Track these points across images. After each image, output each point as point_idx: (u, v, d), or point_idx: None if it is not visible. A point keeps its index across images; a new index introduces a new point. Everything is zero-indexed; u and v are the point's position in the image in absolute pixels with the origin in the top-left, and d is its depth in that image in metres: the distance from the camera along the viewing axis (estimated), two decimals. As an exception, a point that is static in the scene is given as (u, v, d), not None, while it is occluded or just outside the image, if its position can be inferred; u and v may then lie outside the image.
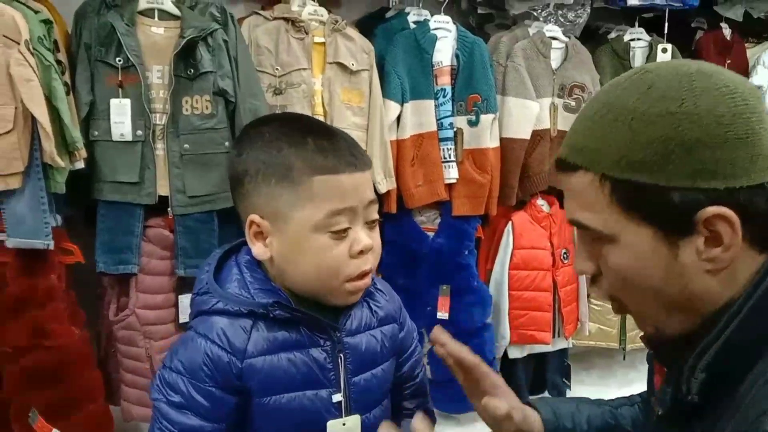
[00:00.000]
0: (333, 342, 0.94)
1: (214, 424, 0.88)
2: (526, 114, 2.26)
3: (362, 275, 0.93)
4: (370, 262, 0.93)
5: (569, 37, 2.39)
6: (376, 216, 0.94)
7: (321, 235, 0.89)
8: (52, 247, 1.69)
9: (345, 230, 0.90)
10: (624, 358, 2.69)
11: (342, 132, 0.99)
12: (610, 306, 2.63)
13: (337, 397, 0.94)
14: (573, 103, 2.37)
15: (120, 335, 1.83)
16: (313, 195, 0.88)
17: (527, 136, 2.27)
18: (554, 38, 2.35)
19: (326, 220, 0.89)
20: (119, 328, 1.83)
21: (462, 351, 0.97)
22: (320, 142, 0.91)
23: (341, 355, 0.94)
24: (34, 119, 1.62)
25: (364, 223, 0.92)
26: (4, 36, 1.57)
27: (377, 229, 0.95)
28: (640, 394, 1.08)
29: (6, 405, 1.74)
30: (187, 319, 1.88)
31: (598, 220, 0.75)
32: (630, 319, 2.58)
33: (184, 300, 1.88)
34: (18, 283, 1.71)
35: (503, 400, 0.95)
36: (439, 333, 0.98)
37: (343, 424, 0.94)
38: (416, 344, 1.11)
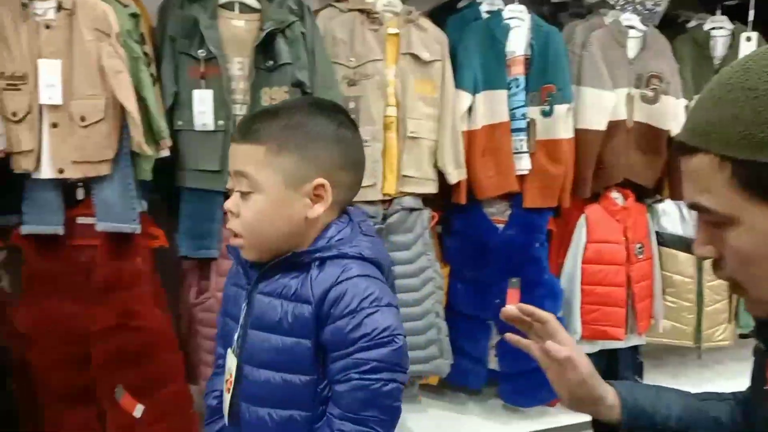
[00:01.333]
0: (248, 290, 1.07)
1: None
2: (602, 104, 2.21)
3: (231, 232, 1.05)
4: (231, 223, 1.04)
5: (647, 26, 2.32)
6: (242, 187, 1.02)
7: None
8: (139, 231, 1.77)
9: (231, 190, 1.06)
10: (699, 357, 2.61)
11: (259, 115, 1.08)
12: (685, 303, 2.55)
13: (235, 335, 1.08)
14: (650, 94, 2.30)
15: (200, 317, 1.90)
16: None
17: (603, 127, 2.22)
18: (631, 27, 2.29)
19: None
20: (199, 310, 1.90)
21: (533, 308, 0.97)
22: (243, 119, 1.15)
23: (245, 304, 1.07)
24: (122, 109, 1.70)
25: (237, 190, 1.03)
26: (96, 29, 1.66)
27: (248, 201, 1.02)
28: (734, 393, 1.04)
29: (94, 383, 1.84)
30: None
31: (719, 203, 0.74)
32: (706, 317, 2.50)
33: (260, 285, 1.94)
34: (107, 266, 1.80)
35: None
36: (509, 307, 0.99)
37: (231, 354, 1.09)
38: (353, 356, 0.99)
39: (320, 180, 1.02)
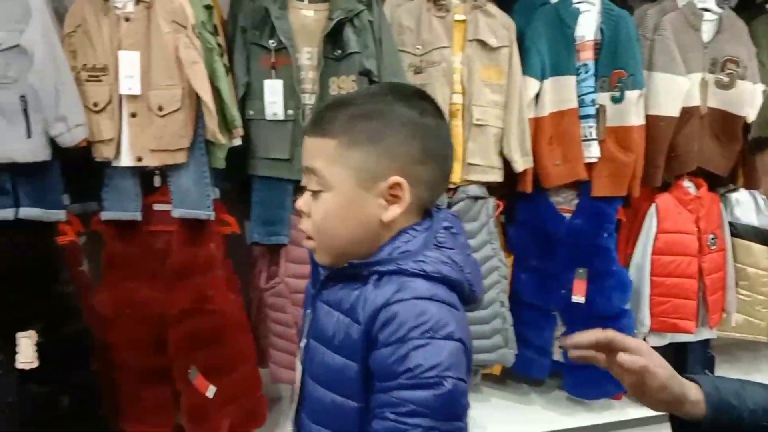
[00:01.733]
0: (313, 295, 0.99)
1: None
2: (675, 90, 2.15)
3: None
4: (304, 224, 0.94)
5: (723, 8, 2.24)
6: (312, 186, 0.92)
7: None
8: (213, 218, 1.82)
9: (305, 188, 0.95)
10: (775, 353, 2.52)
11: (331, 106, 0.96)
12: (759, 297, 2.46)
13: (302, 342, 1.00)
14: (726, 79, 2.22)
15: (270, 302, 1.95)
16: None
17: (676, 113, 2.15)
18: (706, 9, 2.21)
19: None
20: (269, 295, 1.94)
21: (590, 335, 0.94)
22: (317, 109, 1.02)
23: (308, 311, 1.00)
24: (198, 99, 1.75)
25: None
26: (173, 21, 1.71)
27: (318, 200, 0.91)
28: None
29: (170, 363, 1.91)
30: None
31: None
32: (782, 312, 2.40)
33: (327, 272, 1.97)
34: (182, 251, 1.86)
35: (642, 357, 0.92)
36: (568, 339, 0.96)
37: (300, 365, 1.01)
38: (392, 393, 0.84)
39: (396, 178, 0.89)
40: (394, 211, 0.90)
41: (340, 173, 0.89)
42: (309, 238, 0.94)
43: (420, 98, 0.95)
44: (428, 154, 0.92)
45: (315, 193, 0.92)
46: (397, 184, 0.89)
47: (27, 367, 1.75)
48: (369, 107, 0.92)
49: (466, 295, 0.92)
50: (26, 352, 1.76)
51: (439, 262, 0.89)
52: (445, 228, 0.94)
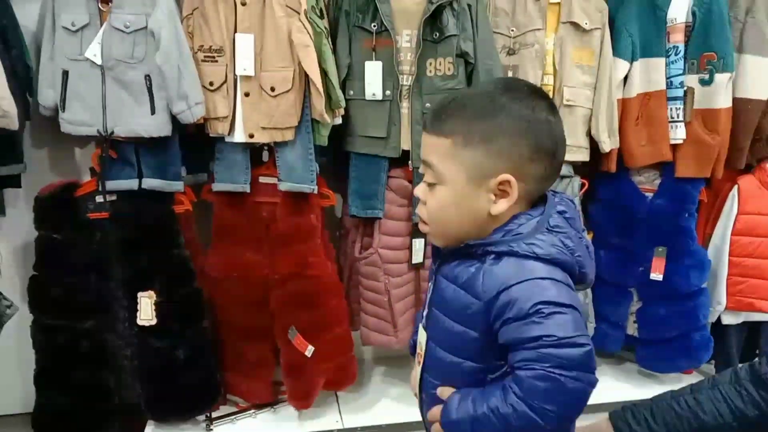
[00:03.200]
0: (433, 270, 1.09)
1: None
2: (765, 73, 2.15)
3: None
4: (419, 209, 1.06)
5: (820, -12, 2.20)
6: (428, 178, 1.02)
7: None
8: (316, 191, 1.95)
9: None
10: None
11: (452, 102, 1.02)
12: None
13: (425, 311, 1.09)
14: (819, 61, 2.20)
15: (363, 271, 2.08)
16: None
17: (764, 96, 2.16)
18: (803, -10, 2.18)
19: None
20: (363, 264, 2.07)
21: None
22: (435, 106, 1.06)
23: (431, 283, 1.09)
24: (306, 80, 1.86)
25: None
26: (287, 6, 1.81)
27: (434, 191, 1.01)
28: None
29: (271, 323, 2.07)
30: (420, 260, 2.10)
31: None
32: None
33: (417, 243, 2.08)
34: (286, 221, 2.00)
35: None
36: None
37: (423, 331, 1.11)
38: (538, 350, 0.91)
39: (505, 176, 0.96)
40: (501, 205, 0.97)
41: (454, 170, 0.97)
42: (424, 222, 1.06)
43: (533, 95, 1.00)
44: (539, 151, 0.97)
45: (431, 185, 1.01)
46: (506, 181, 0.96)
47: (147, 323, 1.94)
48: (484, 108, 0.98)
49: (577, 277, 0.99)
50: (146, 310, 1.95)
51: (550, 245, 0.95)
52: (559, 212, 1.00)
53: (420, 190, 1.04)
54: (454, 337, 1.01)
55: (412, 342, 1.22)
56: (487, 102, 0.99)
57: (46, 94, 1.83)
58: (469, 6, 1.93)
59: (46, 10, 1.83)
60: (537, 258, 0.94)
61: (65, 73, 1.81)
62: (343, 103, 1.90)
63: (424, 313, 1.11)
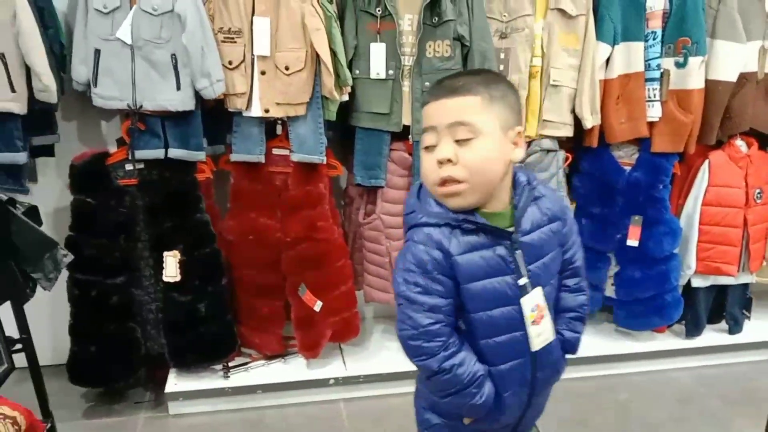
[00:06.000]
0: (510, 242, 1.13)
1: (447, 299, 1.13)
2: (735, 57, 2.34)
3: (442, 182, 1.09)
4: (449, 171, 1.08)
5: (787, -21, 2.40)
6: (461, 136, 1.07)
7: (422, 151, 1.13)
8: (325, 162, 2.14)
9: (432, 146, 1.10)
10: (808, 298, 2.77)
11: (460, 75, 1.15)
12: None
13: (523, 281, 1.15)
14: (784, 46, 2.40)
15: (367, 235, 2.28)
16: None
17: (733, 78, 2.36)
18: (771, -20, 2.37)
19: (423, 138, 1.13)
20: (366, 229, 2.28)
21: None
22: (433, 86, 1.16)
23: (518, 251, 1.14)
24: (316, 60, 2.04)
25: (453, 141, 1.08)
26: (300, -8, 1.99)
27: (470, 146, 1.07)
28: None
29: (282, 281, 2.28)
30: (418, 227, 2.30)
31: None
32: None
33: (416, 211, 2.29)
34: (297, 189, 2.20)
35: None
36: None
37: (530, 297, 1.17)
38: (576, 236, 1.26)
39: (519, 127, 1.13)
40: (519, 152, 1.13)
41: (489, 121, 1.08)
42: (457, 182, 1.08)
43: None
44: (521, 111, 1.21)
45: (464, 142, 1.07)
46: (520, 132, 1.13)
47: (171, 280, 2.15)
48: (489, 75, 1.15)
49: None
50: (171, 268, 2.15)
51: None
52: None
53: (448, 152, 1.07)
54: (552, 265, 1.20)
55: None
56: (489, 72, 1.20)
57: (79, 71, 2.01)
58: (466, -7, 2.11)
59: (79, -6, 2.00)
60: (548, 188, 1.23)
61: (97, 52, 1.98)
62: (350, 82, 2.08)
63: (521, 283, 1.15)
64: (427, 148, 1.11)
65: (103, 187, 2.09)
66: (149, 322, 2.22)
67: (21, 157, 1.98)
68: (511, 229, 1.14)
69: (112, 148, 2.18)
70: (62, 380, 2.20)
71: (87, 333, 2.14)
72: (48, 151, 2.19)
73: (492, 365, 1.18)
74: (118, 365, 2.20)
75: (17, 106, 1.93)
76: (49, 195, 2.32)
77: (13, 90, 1.91)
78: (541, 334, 1.18)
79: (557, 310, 1.25)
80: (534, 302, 1.16)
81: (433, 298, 1.11)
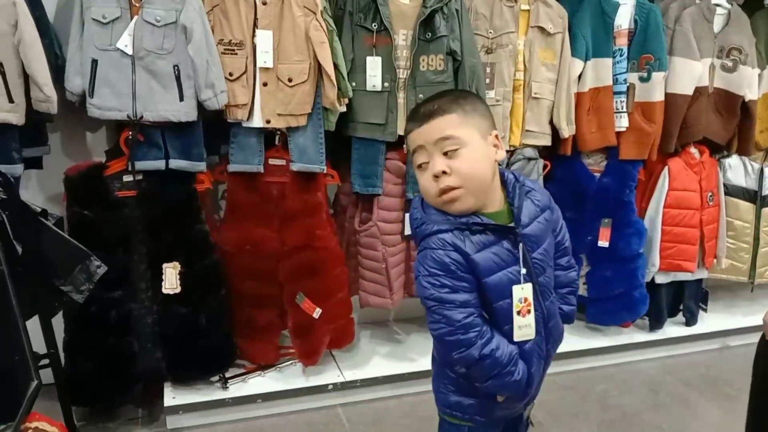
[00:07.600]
0: (515, 235, 1.23)
1: (473, 293, 1.23)
2: (691, 72, 2.58)
3: (442, 192, 1.20)
4: (445, 181, 1.18)
5: (731, 4, 2.67)
6: (449, 147, 1.18)
7: (417, 171, 1.24)
8: (325, 171, 2.19)
9: (424, 163, 1.21)
10: (752, 290, 3.05)
11: (432, 100, 1.24)
12: (742, 245, 2.99)
13: (524, 270, 1.24)
14: (730, 64, 2.67)
15: (363, 241, 2.34)
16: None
17: (690, 92, 2.60)
18: (718, 5, 2.64)
19: (414, 158, 1.24)
20: (363, 236, 2.34)
21: None
22: (412, 114, 1.27)
23: (521, 243, 1.24)
24: (318, 72, 2.10)
25: (441, 154, 1.19)
26: (305, 7, 2.05)
27: (459, 156, 1.17)
28: None
29: (279, 290, 2.30)
30: (410, 233, 2.39)
31: None
32: (760, 257, 2.92)
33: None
34: (295, 198, 2.23)
35: None
36: None
37: (522, 288, 1.25)
38: (561, 220, 1.38)
39: (495, 131, 1.24)
40: (501, 153, 1.24)
41: (469, 132, 1.19)
42: (452, 189, 1.19)
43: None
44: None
45: (452, 153, 1.18)
46: (496, 135, 1.24)
47: (171, 292, 2.13)
48: (455, 93, 1.33)
49: None
50: (171, 279, 2.13)
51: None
52: None
53: (442, 165, 1.18)
54: (549, 251, 1.30)
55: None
56: (455, 90, 1.44)
57: (74, 81, 1.97)
58: (457, 11, 2.23)
59: (74, 4, 1.97)
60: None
61: (94, 62, 1.96)
62: (350, 93, 2.15)
63: (522, 272, 1.25)
64: (420, 166, 1.22)
65: (100, 199, 2.05)
66: (145, 336, 2.18)
67: (18, 169, 1.92)
68: (512, 224, 1.24)
69: (100, 160, 2.15)
70: (46, 400, 2.12)
71: (85, 349, 2.08)
72: (37, 163, 2.13)
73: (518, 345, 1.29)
74: (117, 382, 2.14)
75: (15, 117, 1.88)
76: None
77: (11, 101, 1.86)
78: (522, 327, 1.26)
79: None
80: (522, 294, 1.25)
81: (462, 295, 1.21)
